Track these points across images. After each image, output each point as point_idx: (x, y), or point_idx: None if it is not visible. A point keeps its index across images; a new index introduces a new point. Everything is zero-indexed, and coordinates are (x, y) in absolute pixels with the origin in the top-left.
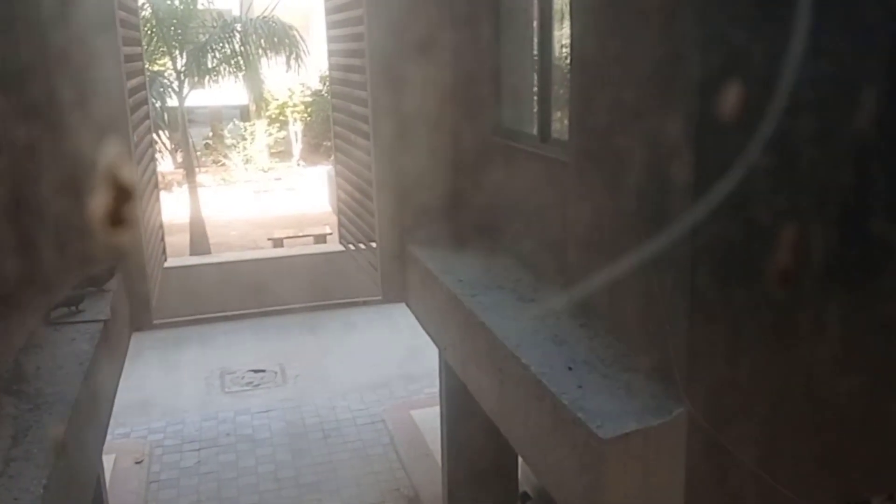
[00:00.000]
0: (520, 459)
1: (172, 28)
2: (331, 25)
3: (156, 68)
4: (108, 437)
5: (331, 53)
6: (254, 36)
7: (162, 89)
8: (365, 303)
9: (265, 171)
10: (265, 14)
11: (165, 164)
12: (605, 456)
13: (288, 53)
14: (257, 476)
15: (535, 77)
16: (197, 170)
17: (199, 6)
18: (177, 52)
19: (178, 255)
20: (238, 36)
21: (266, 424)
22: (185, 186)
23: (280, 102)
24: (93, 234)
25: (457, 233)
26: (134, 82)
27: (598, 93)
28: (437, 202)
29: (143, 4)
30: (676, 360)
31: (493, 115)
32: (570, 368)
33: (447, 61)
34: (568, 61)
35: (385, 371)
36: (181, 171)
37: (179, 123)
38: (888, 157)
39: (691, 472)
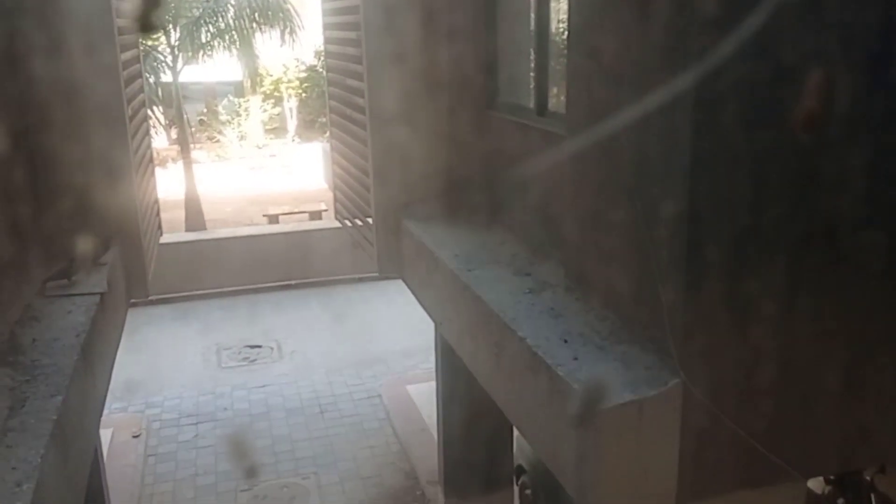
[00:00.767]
0: (515, 433)
1: (166, 1)
2: None
3: (149, 43)
4: (106, 412)
5: (326, 27)
6: (248, 10)
7: (156, 64)
8: (361, 279)
9: (260, 148)
10: None
11: (160, 140)
12: (601, 427)
13: (282, 28)
14: (254, 450)
15: (532, 50)
16: (191, 146)
17: None
18: (170, 26)
19: (173, 231)
20: (232, 10)
21: (263, 399)
22: (180, 163)
23: (275, 78)
24: (88, 208)
25: (453, 207)
26: (127, 55)
27: (595, 66)
28: (433, 177)
29: None
30: (671, 332)
31: (489, 89)
32: (565, 341)
33: (443, 35)
34: (565, 35)
35: (381, 346)
36: (176, 147)
37: (174, 99)
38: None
39: (686, 443)
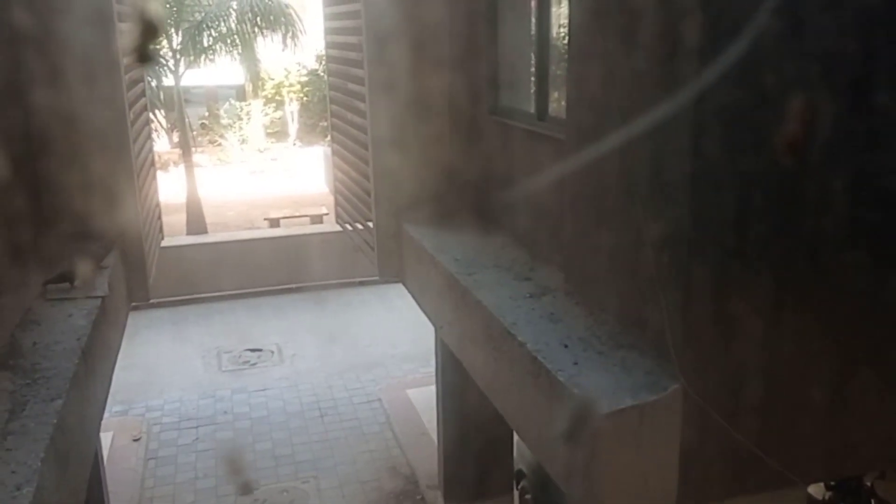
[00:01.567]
0: (515, 437)
1: (168, 6)
2: (327, 3)
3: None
4: (106, 415)
5: (327, 32)
6: (250, 14)
7: (158, 68)
8: (361, 283)
9: (261, 151)
10: None
11: (162, 143)
12: (601, 431)
13: (284, 32)
14: (254, 454)
15: (533, 55)
16: (193, 150)
17: None
18: (172, 30)
19: (175, 235)
20: (234, 14)
21: (263, 403)
22: (182, 166)
23: (276, 82)
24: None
25: (453, 212)
26: (129, 59)
27: (596, 71)
28: (433, 181)
29: None
30: (671, 337)
31: (490, 94)
32: (565, 346)
33: (444, 40)
34: (566, 40)
35: (381, 350)
36: (177, 150)
37: (175, 103)
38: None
39: (686, 448)
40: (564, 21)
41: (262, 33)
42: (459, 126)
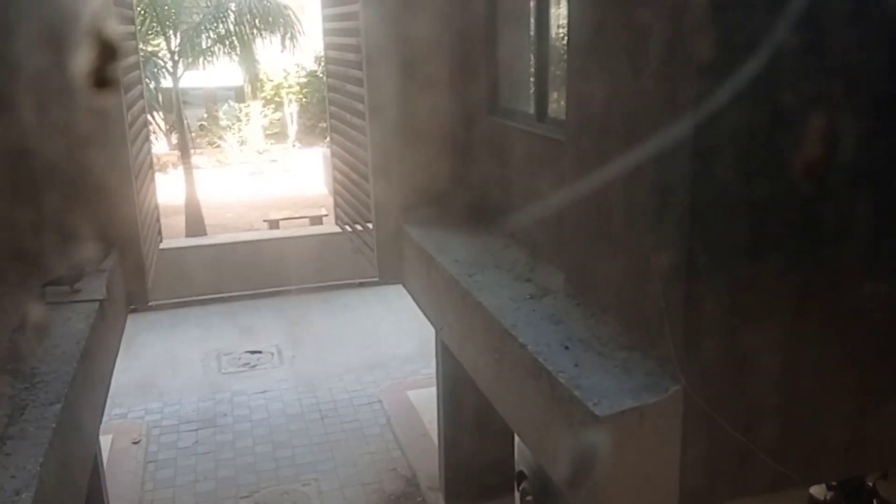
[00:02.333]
0: (516, 439)
1: (166, 8)
2: (325, 4)
3: (150, 49)
4: (106, 418)
5: (326, 33)
6: (248, 16)
7: (156, 70)
8: (361, 284)
9: (260, 153)
10: None
11: (160, 145)
12: (602, 433)
13: (283, 33)
14: (255, 456)
15: (532, 56)
16: (192, 151)
17: None
18: (171, 32)
19: (173, 237)
20: (232, 16)
21: (263, 405)
22: (181, 168)
23: (275, 83)
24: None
25: (453, 213)
26: (127, 61)
27: (595, 72)
28: (433, 182)
29: None
30: (673, 338)
31: (489, 95)
32: (566, 347)
33: (443, 41)
34: (565, 41)
35: (382, 352)
36: (176, 152)
37: (174, 104)
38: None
39: (687, 450)
40: (563, 21)
41: (261, 35)
42: (460, 127)
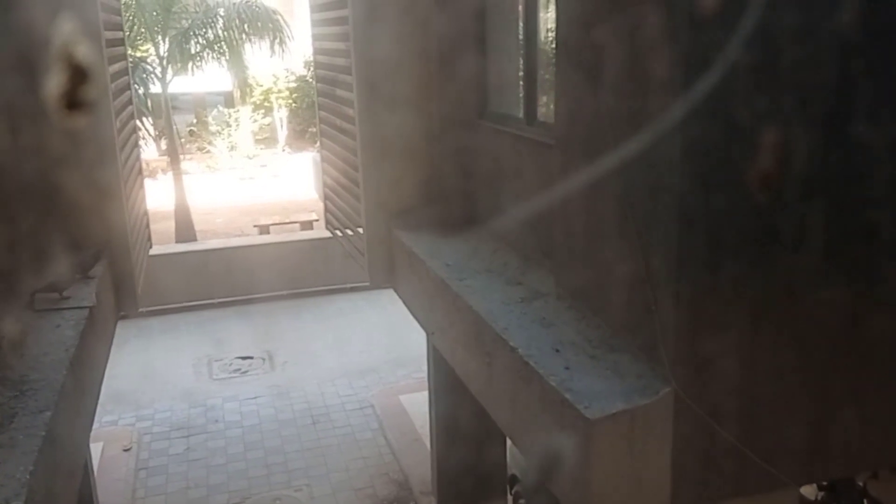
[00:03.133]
0: (508, 442)
1: (155, 13)
2: (314, 9)
3: (138, 54)
4: (96, 425)
5: (315, 38)
6: (237, 21)
7: (145, 75)
8: (352, 289)
9: (250, 158)
10: None
11: (149, 151)
12: (593, 436)
13: (272, 38)
14: (246, 462)
15: (521, 61)
16: (181, 157)
17: None
18: (159, 37)
19: (163, 242)
20: (221, 21)
21: (254, 411)
22: (170, 174)
23: (265, 88)
24: (77, 221)
25: (443, 217)
26: (116, 67)
27: (584, 76)
28: (423, 186)
29: None
30: (663, 341)
31: (479, 99)
32: (557, 350)
33: (433, 46)
34: (553, 45)
35: (373, 356)
36: (165, 158)
37: (163, 110)
38: None
39: (678, 452)
40: (552, 26)
41: (250, 40)
42: (449, 131)
